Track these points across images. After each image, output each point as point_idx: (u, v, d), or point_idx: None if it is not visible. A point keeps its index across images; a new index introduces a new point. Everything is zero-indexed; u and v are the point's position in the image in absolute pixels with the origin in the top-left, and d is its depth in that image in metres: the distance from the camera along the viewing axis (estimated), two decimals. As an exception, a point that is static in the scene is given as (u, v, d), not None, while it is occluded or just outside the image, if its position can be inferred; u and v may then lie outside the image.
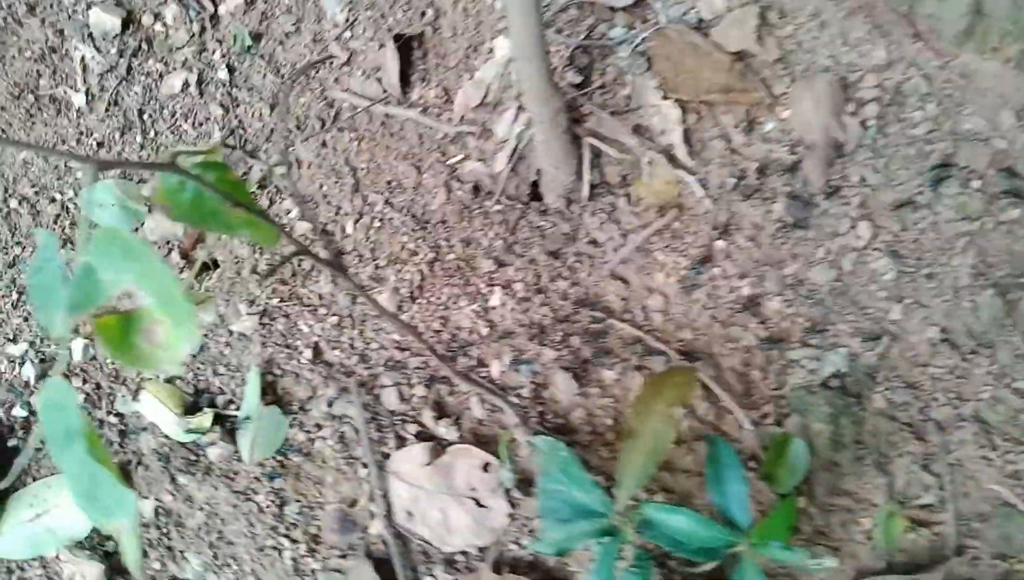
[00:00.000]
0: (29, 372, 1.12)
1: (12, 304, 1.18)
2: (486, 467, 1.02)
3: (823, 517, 1.02)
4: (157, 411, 1.07)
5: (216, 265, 1.20)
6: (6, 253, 1.22)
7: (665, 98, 1.16)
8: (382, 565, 1.01)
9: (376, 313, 1.11)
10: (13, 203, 1.26)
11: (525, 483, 1.03)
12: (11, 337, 1.15)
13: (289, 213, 1.20)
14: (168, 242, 1.21)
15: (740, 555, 0.82)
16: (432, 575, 1.01)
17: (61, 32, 1.41)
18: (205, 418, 1.06)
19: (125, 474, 1.08)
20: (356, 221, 1.17)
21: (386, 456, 1.05)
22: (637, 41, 1.19)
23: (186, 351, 0.55)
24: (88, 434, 0.58)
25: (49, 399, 0.59)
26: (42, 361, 1.13)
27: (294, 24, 1.34)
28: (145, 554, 1.06)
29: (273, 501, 1.05)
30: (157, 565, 1.05)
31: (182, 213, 0.75)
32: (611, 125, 1.13)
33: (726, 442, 0.86)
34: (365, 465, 1.05)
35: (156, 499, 1.07)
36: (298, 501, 1.05)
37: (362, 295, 0.78)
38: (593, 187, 1.14)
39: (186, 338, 0.52)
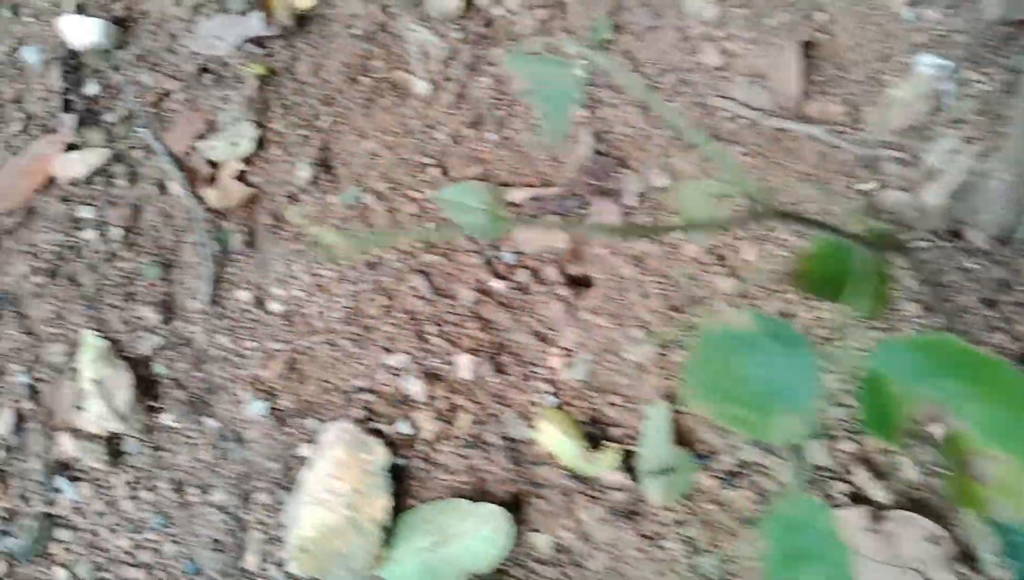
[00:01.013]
0: (412, 386, 1.06)
1: (383, 309, 1.12)
2: (934, 538, 0.94)
3: None
4: (558, 441, 1.01)
5: (589, 283, 1.12)
6: (365, 252, 1.16)
7: (1123, 135, 1.03)
8: (807, 630, 0.95)
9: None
10: (368, 199, 1.20)
11: (967, 558, 0.95)
12: (386, 347, 1.10)
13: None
14: (544, 256, 1.13)
15: None
16: (865, 646, 0.94)
17: (385, 8, 1.32)
18: (614, 453, 1.00)
19: (518, 504, 1.02)
20: (754, 244, 1.08)
21: (808, 512, 0.97)
22: (1085, 66, 1.06)
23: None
24: (845, 558, 0.50)
25: (786, 514, 0.52)
26: (426, 374, 1.07)
27: (654, 17, 1.24)
28: (544, 592, 1.01)
29: (686, 550, 0.98)
30: (558, 605, 1.00)
31: (811, 281, 0.67)
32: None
33: None
34: (788, 521, 0.98)
35: (553, 535, 1.01)
36: (711, 552, 0.98)
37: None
38: (1034, 230, 1.03)
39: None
